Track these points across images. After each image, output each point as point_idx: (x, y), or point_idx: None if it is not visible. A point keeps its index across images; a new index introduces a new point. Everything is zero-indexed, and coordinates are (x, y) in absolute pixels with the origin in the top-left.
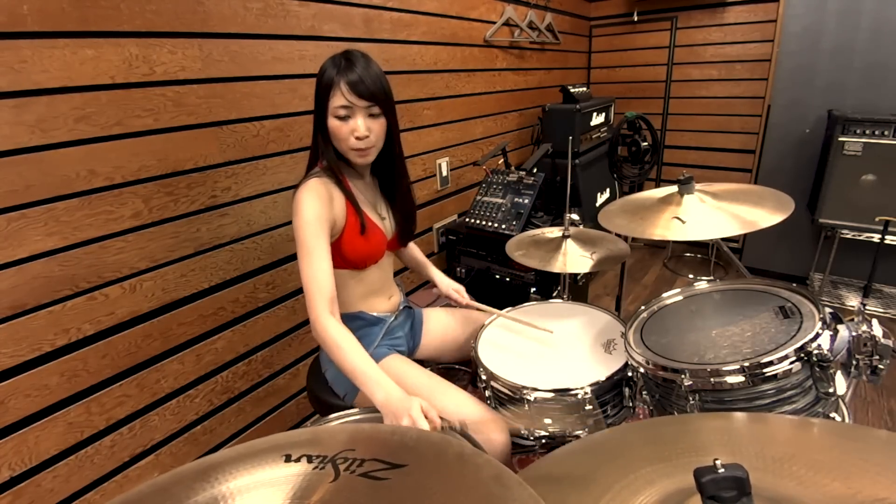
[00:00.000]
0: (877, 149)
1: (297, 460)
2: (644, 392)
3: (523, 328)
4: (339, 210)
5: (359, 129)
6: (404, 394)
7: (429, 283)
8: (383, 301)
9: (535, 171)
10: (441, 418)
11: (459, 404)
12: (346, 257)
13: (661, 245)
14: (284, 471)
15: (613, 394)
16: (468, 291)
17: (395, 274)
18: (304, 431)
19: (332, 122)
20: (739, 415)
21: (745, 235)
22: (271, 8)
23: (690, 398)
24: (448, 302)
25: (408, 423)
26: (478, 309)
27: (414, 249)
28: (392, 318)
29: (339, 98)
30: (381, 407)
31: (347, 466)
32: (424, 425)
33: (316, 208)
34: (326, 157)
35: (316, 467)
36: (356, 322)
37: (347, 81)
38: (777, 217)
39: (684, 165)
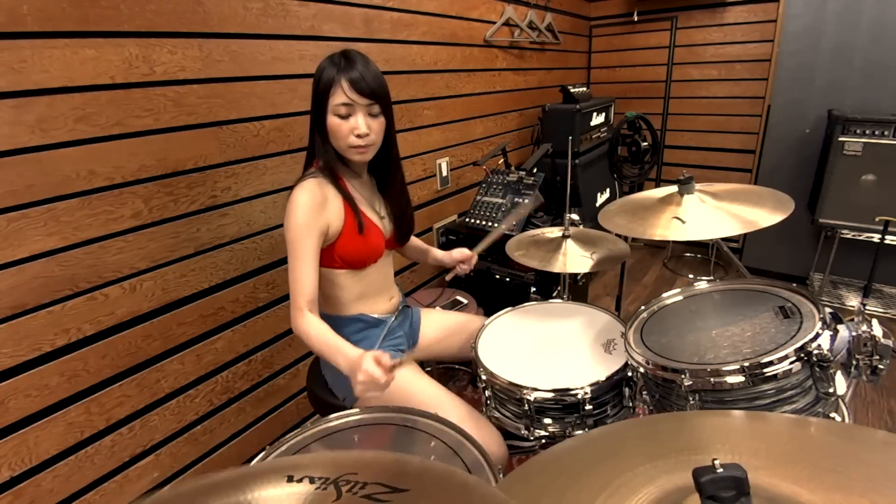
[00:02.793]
0: (877, 149)
1: (300, 481)
2: (644, 392)
3: (524, 326)
4: (335, 211)
5: (359, 128)
6: (358, 351)
7: (428, 284)
8: (384, 302)
9: (535, 171)
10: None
11: (462, 419)
12: (345, 258)
13: (661, 245)
14: (286, 490)
15: (613, 394)
16: (468, 291)
17: (395, 274)
18: (306, 456)
19: (332, 121)
20: (738, 412)
21: (745, 235)
22: (271, 8)
23: (690, 398)
24: (449, 301)
25: (363, 377)
26: (485, 245)
27: (413, 239)
28: (392, 319)
29: (340, 96)
30: (347, 372)
31: (350, 488)
32: (377, 371)
33: (310, 210)
34: (324, 157)
35: (318, 487)
36: (357, 324)
37: (349, 79)
38: (777, 217)
39: (684, 165)
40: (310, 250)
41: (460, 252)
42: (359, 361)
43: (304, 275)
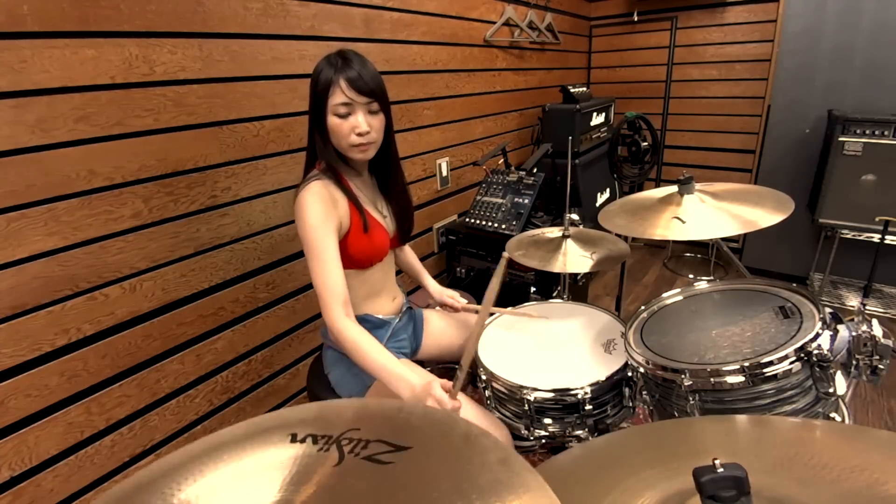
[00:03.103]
0: (877, 149)
1: (303, 440)
2: (644, 392)
3: (523, 326)
4: (342, 211)
5: (360, 126)
6: (423, 379)
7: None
8: (387, 302)
9: (535, 171)
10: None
11: (466, 414)
12: (351, 257)
13: (661, 245)
14: (289, 451)
15: (613, 394)
16: (468, 291)
17: (396, 275)
18: (312, 407)
19: (333, 121)
20: (741, 418)
21: (745, 235)
22: (271, 8)
23: (690, 398)
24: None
25: (433, 404)
26: (474, 311)
27: (409, 254)
28: (397, 321)
29: (340, 95)
30: (408, 400)
31: (352, 448)
32: (446, 398)
33: (322, 211)
34: (325, 158)
35: (321, 448)
36: (362, 325)
37: (347, 78)
38: (777, 217)
39: (684, 165)
40: (332, 249)
41: (451, 297)
42: (427, 389)
43: (332, 275)
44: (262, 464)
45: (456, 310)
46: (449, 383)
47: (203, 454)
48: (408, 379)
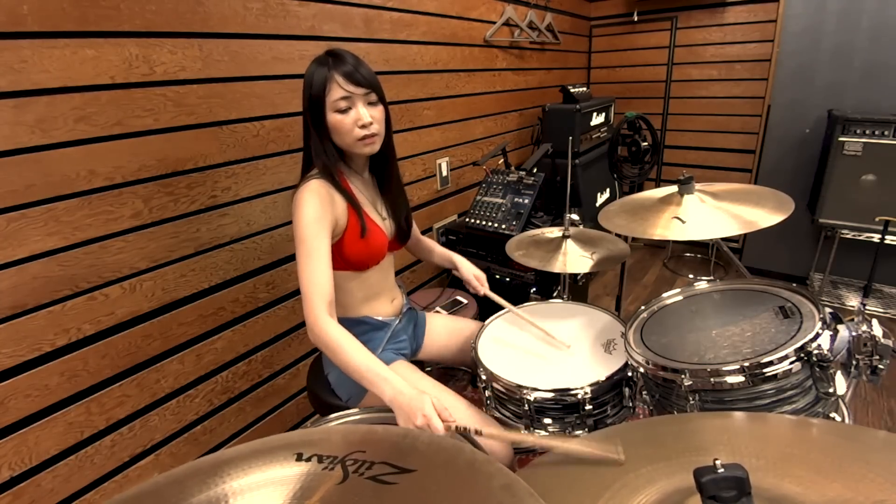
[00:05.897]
0: (877, 149)
1: (308, 459)
2: (644, 392)
3: (523, 325)
4: (340, 212)
5: (363, 117)
6: (415, 391)
7: (428, 284)
8: (386, 304)
9: (535, 171)
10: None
11: (463, 418)
12: (347, 259)
13: (661, 245)
14: (294, 469)
15: (613, 394)
16: (467, 291)
17: (396, 275)
18: (319, 430)
19: (334, 118)
20: (739, 414)
21: (745, 235)
22: (271, 8)
23: (690, 398)
24: (449, 301)
25: (422, 422)
26: (494, 301)
27: (424, 239)
28: (396, 322)
29: (338, 90)
30: (390, 404)
31: (357, 468)
32: (438, 423)
33: (317, 208)
34: (323, 158)
35: (325, 467)
36: (361, 327)
37: (343, 73)
38: (777, 217)
39: (684, 165)
40: (324, 247)
41: (478, 276)
42: (418, 405)
43: (320, 273)
44: (266, 480)
45: (478, 293)
46: (446, 411)
47: (209, 469)
48: (392, 382)
